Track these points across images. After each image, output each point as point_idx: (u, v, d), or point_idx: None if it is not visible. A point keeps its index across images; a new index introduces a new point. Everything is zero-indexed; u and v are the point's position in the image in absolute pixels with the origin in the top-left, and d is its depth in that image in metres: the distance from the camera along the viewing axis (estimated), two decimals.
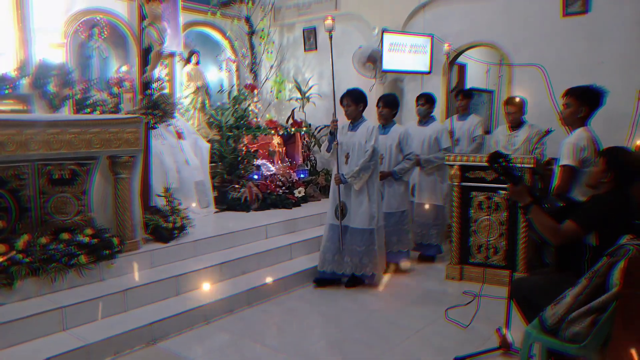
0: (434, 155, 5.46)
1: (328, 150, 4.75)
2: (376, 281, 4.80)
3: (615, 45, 5.36)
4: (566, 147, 3.55)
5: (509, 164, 3.01)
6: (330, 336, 3.78)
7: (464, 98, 6.09)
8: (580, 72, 5.34)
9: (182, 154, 5.95)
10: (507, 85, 6.27)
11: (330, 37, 4.64)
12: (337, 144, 4.63)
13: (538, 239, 3.08)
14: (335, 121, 4.62)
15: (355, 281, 4.77)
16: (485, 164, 4.60)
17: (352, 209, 4.66)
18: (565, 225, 2.82)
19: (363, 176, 4.56)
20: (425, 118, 5.58)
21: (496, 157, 3.01)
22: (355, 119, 4.74)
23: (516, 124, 5.31)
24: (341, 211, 4.68)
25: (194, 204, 5.79)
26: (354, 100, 4.69)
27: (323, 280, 4.80)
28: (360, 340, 3.70)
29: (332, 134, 4.65)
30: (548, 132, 4.72)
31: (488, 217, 4.81)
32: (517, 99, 5.39)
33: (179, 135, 6.12)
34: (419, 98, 5.60)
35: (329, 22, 4.55)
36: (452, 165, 4.90)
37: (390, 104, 5.13)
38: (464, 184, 4.87)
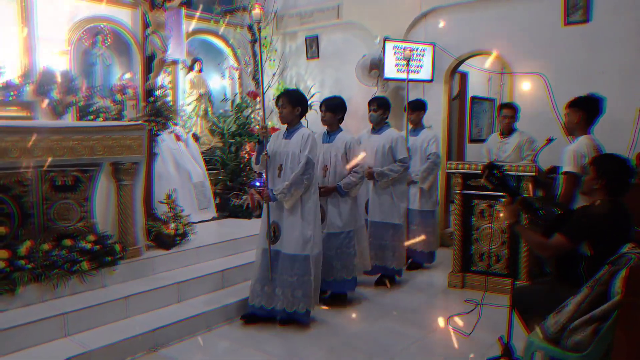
0: (388, 168, 4.81)
1: (257, 162, 4.10)
2: (307, 319, 4.04)
3: (616, 54, 5.37)
4: (567, 155, 3.58)
5: (504, 174, 3.02)
6: (331, 345, 3.77)
7: (413, 111, 5.63)
8: (581, 81, 5.35)
9: (180, 156, 5.99)
10: (509, 94, 6.28)
11: (259, 30, 4.17)
12: (267, 155, 3.97)
13: None
14: (264, 127, 3.98)
15: (290, 320, 4.00)
16: (480, 172, 4.69)
17: (284, 232, 3.97)
18: (554, 238, 2.83)
19: (295, 192, 3.86)
20: (379, 125, 4.97)
21: (490, 169, 3.02)
22: (291, 125, 4.07)
23: (508, 130, 5.33)
24: (273, 233, 4.01)
25: (193, 205, 5.83)
26: (291, 101, 4.01)
27: (252, 316, 4.07)
28: (361, 349, 3.70)
29: (261, 143, 4.01)
30: (550, 140, 4.73)
31: (490, 225, 4.81)
32: (513, 104, 5.45)
33: (178, 138, 6.16)
34: (370, 103, 5.00)
35: (257, 11, 3.99)
36: (454, 173, 4.91)
37: (333, 108, 4.42)
38: (465, 191, 4.88)
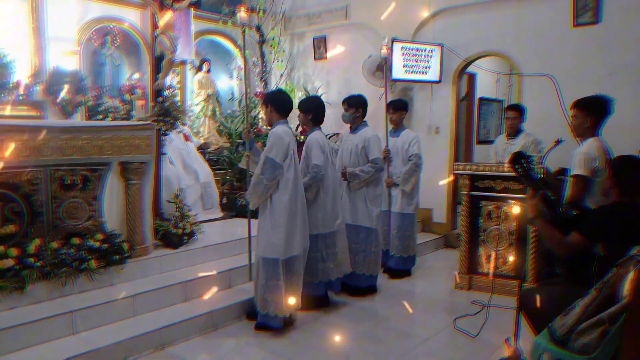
0: (359, 169, 4.63)
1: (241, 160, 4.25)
2: (278, 323, 3.90)
3: (626, 56, 5.34)
4: (577, 157, 3.56)
5: (530, 165, 2.99)
6: (336, 345, 3.77)
7: (394, 111, 5.41)
8: (591, 83, 5.33)
9: (189, 156, 6.03)
10: (517, 95, 6.25)
11: (243, 32, 4.11)
12: (248, 155, 4.08)
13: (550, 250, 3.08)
14: (247, 129, 4.07)
15: (263, 326, 3.94)
16: (495, 173, 4.68)
17: (258, 233, 3.96)
18: (571, 236, 2.83)
19: (255, 192, 3.81)
20: (354, 124, 4.80)
21: (518, 158, 3.00)
22: (270, 124, 4.08)
23: (514, 131, 5.32)
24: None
25: (200, 205, 5.87)
26: (264, 102, 4.07)
27: (251, 313, 4.15)
28: (367, 350, 3.70)
29: (244, 145, 4.09)
30: (558, 141, 4.71)
31: (497, 226, 4.79)
32: (518, 106, 5.43)
33: (186, 138, 6.20)
34: (343, 103, 4.86)
35: (242, 14, 3.95)
36: (461, 175, 4.90)
37: (305, 109, 4.36)
38: (473, 193, 4.87)
